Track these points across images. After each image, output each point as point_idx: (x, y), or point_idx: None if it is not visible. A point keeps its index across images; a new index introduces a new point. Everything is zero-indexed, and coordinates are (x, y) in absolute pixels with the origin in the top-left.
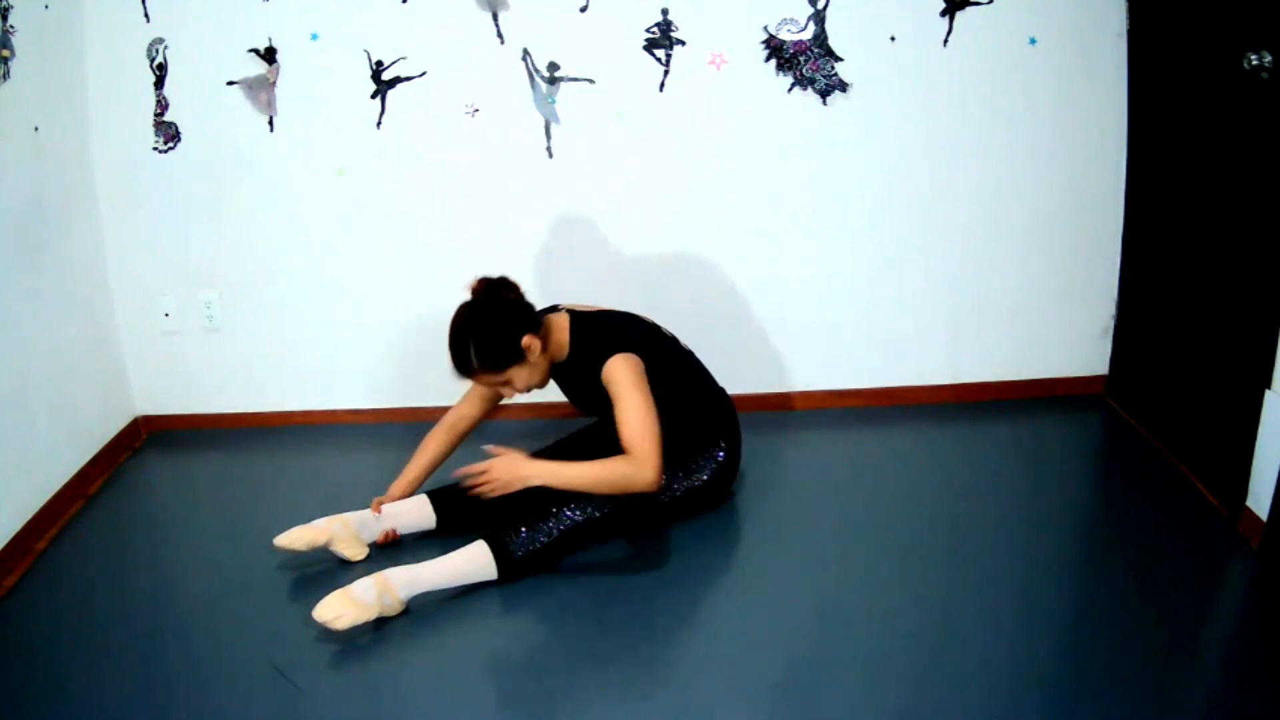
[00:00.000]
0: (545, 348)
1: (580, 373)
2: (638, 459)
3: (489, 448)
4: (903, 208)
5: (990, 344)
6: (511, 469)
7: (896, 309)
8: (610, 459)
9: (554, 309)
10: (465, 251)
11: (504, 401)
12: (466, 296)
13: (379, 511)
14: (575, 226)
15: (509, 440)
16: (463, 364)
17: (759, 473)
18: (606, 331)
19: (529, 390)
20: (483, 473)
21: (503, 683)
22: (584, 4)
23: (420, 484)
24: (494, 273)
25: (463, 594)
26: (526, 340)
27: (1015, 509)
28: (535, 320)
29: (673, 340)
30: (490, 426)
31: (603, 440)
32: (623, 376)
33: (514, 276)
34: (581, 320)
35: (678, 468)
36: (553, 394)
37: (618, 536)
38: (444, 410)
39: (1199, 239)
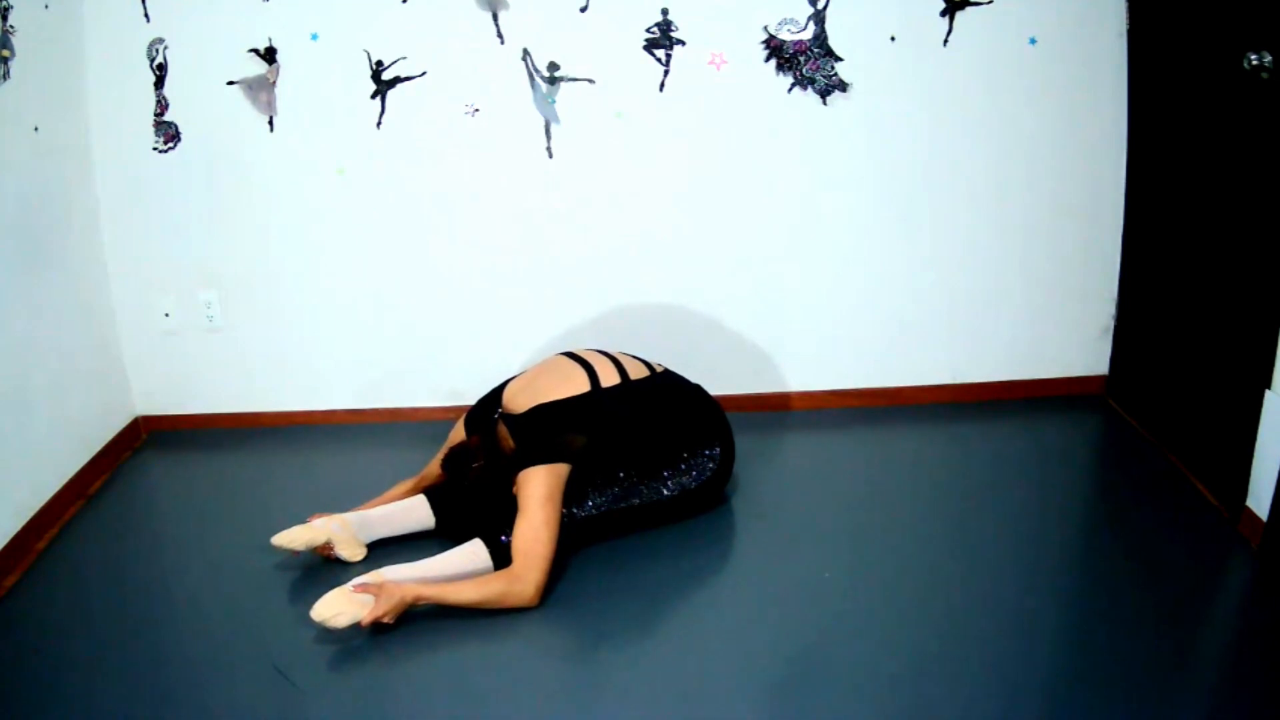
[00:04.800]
0: (501, 452)
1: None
2: (518, 575)
3: (357, 584)
4: (902, 208)
5: (990, 344)
6: (398, 600)
7: (896, 309)
8: (489, 577)
9: (497, 400)
10: (465, 252)
11: None
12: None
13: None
14: (575, 226)
15: None
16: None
17: (757, 473)
18: (538, 434)
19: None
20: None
21: (501, 682)
22: (584, 4)
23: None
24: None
25: None
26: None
27: (1015, 509)
28: (482, 455)
29: (621, 384)
30: None
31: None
32: (534, 490)
33: (514, 276)
34: (516, 424)
35: (673, 468)
36: None
37: (615, 536)
38: (443, 410)
39: (1199, 239)
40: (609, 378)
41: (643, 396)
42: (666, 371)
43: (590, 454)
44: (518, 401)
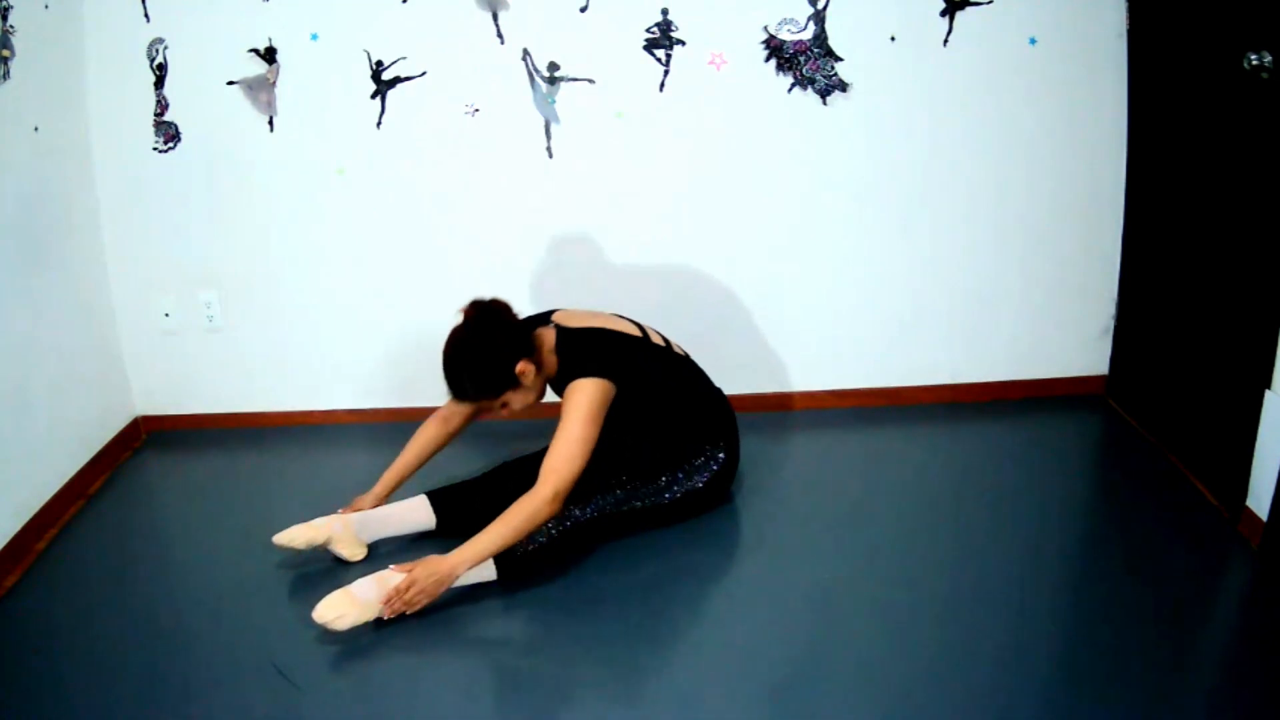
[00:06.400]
0: (540, 369)
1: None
2: (542, 489)
3: (394, 568)
4: (902, 208)
5: (990, 344)
6: (433, 573)
7: (896, 309)
8: (509, 511)
9: (546, 319)
10: (465, 251)
11: None
12: (467, 301)
13: (348, 512)
14: (575, 226)
15: (508, 441)
16: (458, 392)
17: (759, 473)
18: (587, 351)
19: (526, 408)
20: (406, 590)
21: (502, 683)
22: (584, 4)
23: (404, 480)
24: (486, 295)
25: (463, 594)
26: (521, 366)
27: (1015, 509)
28: (528, 344)
29: (665, 349)
30: (487, 427)
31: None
32: (579, 403)
33: (514, 277)
34: (567, 336)
35: (677, 469)
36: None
37: (617, 537)
38: None
39: (1199, 239)
40: (656, 340)
41: (675, 367)
42: (694, 363)
43: (623, 393)
44: (571, 320)
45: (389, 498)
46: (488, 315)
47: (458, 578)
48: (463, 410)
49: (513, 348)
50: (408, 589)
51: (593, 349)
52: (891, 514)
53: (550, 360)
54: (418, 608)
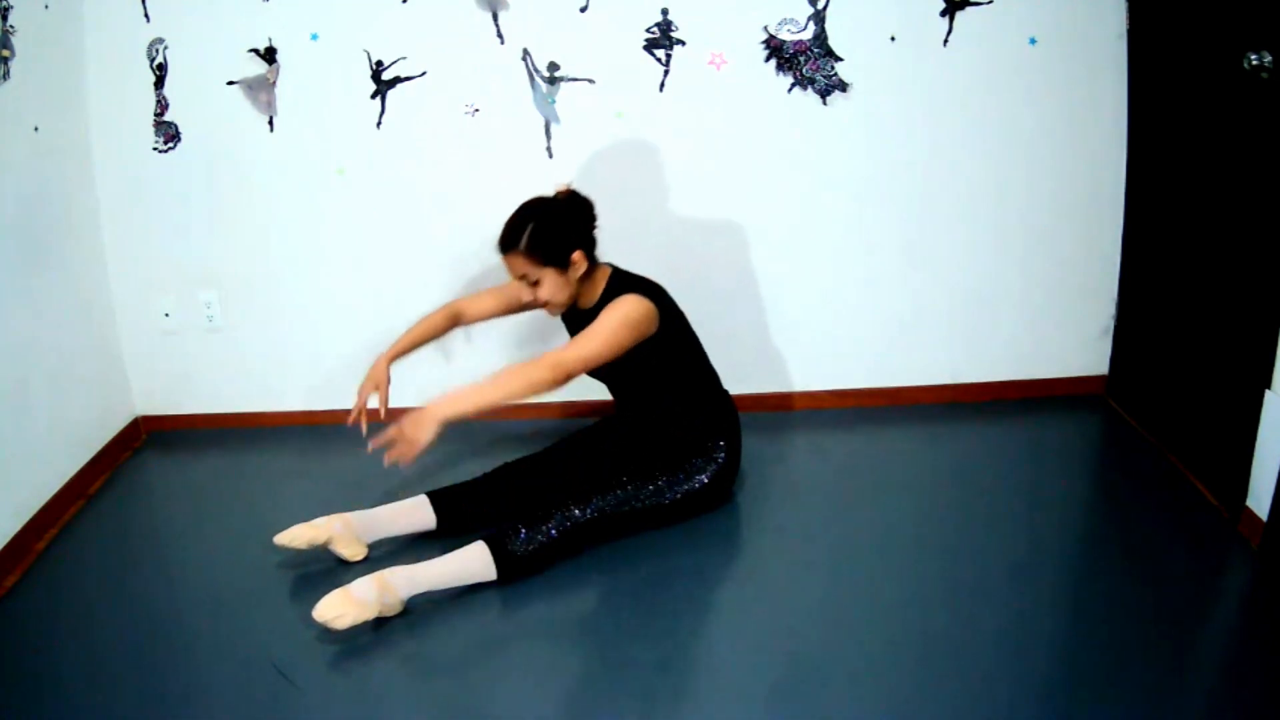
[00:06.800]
0: (584, 279)
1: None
2: (545, 356)
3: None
4: (902, 208)
5: (990, 344)
6: (418, 419)
7: (896, 309)
8: (507, 369)
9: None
10: (465, 252)
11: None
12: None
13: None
14: None
15: (509, 443)
16: (511, 238)
17: (759, 473)
18: (639, 282)
19: (545, 306)
20: (393, 441)
21: (502, 683)
22: (584, 4)
23: (406, 353)
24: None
25: (463, 594)
26: (577, 255)
27: (1015, 509)
28: (592, 248)
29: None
30: (487, 427)
31: (600, 442)
32: (619, 308)
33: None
34: (621, 275)
35: (677, 470)
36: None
37: (617, 538)
38: None
39: (1199, 239)
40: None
41: (698, 348)
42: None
43: (659, 334)
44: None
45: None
46: (579, 202)
47: (439, 419)
48: (479, 305)
49: (582, 235)
50: (397, 440)
51: (645, 283)
52: (891, 514)
53: (592, 290)
54: (410, 457)
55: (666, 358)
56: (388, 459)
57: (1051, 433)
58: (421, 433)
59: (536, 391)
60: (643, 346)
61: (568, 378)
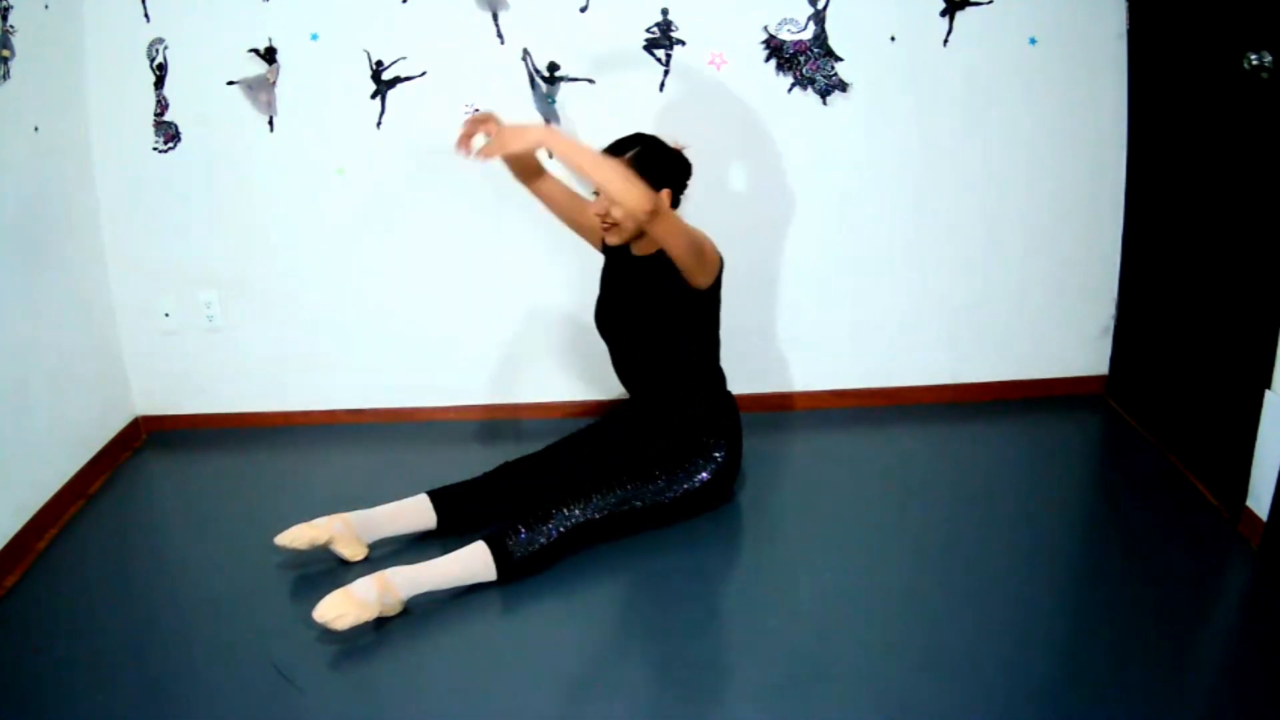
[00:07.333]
0: (656, 219)
1: (645, 267)
2: (648, 195)
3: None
4: (903, 208)
5: (990, 344)
6: (518, 129)
7: (896, 309)
8: (628, 169)
9: None
10: (465, 251)
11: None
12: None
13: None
14: None
15: (510, 442)
16: (624, 144)
17: (759, 473)
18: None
19: (608, 229)
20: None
21: (502, 683)
22: (584, 4)
23: (518, 153)
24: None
25: (463, 594)
26: (665, 193)
27: (1015, 509)
28: (681, 193)
29: None
30: (506, 426)
31: (600, 442)
32: (700, 233)
33: (514, 277)
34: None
35: (677, 469)
36: (561, 393)
37: (618, 537)
38: (443, 410)
39: (1199, 239)
40: None
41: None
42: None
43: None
44: None
45: None
46: (685, 161)
47: (535, 139)
48: (558, 190)
49: (677, 181)
50: (494, 135)
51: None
52: (891, 514)
53: (649, 243)
54: (491, 155)
55: (695, 336)
56: (476, 152)
57: (1051, 433)
58: (516, 141)
59: (622, 197)
60: (680, 313)
61: (652, 218)
